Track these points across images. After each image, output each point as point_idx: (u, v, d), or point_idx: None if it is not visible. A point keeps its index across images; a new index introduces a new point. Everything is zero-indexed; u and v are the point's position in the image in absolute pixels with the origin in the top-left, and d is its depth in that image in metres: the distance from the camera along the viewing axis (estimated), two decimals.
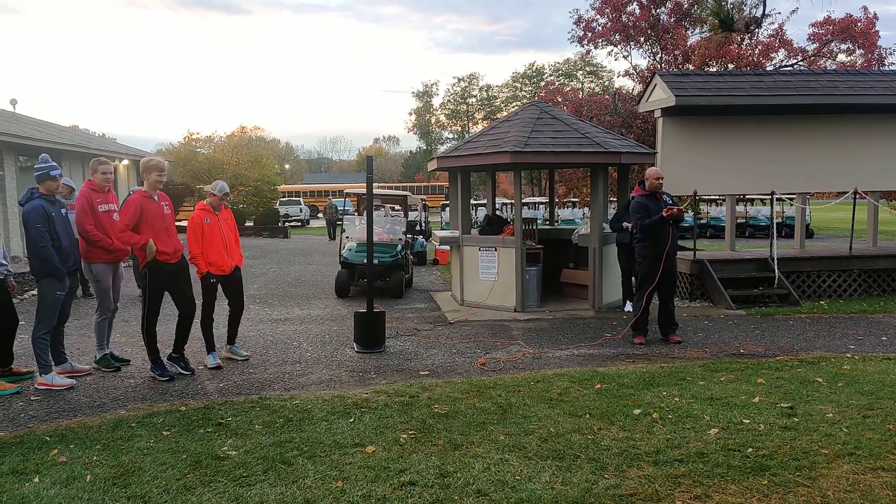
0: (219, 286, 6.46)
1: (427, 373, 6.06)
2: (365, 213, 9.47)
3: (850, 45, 18.63)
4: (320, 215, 39.60)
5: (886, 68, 17.17)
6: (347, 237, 11.66)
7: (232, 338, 6.72)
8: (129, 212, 5.73)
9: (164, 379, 5.81)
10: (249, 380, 5.85)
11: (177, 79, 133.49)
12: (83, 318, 8.49)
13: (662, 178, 7.27)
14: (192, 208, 30.11)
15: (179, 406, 5.07)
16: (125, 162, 19.70)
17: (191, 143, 33.31)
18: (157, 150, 34.23)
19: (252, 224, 29.35)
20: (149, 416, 4.84)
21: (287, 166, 79.74)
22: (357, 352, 6.87)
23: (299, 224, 38.14)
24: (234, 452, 4.08)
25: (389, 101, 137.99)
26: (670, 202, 7.19)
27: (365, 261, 10.11)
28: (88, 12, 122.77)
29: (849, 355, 6.52)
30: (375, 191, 19.68)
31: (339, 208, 25.26)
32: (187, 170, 29.82)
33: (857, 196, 10.23)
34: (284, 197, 41.76)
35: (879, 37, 18.59)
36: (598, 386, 5.46)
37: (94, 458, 4.06)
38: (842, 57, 18.94)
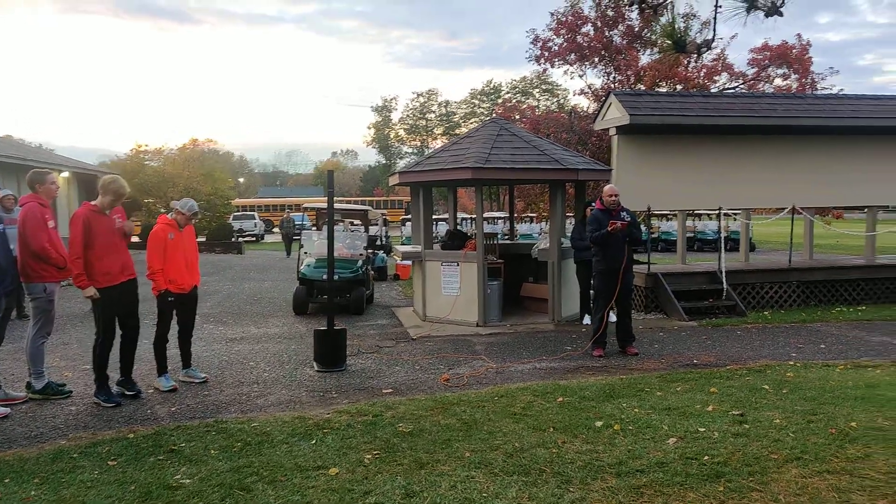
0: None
1: (390, 391, 6.01)
2: (324, 228, 9.37)
3: (786, 70, 19.50)
4: (276, 230, 38.95)
5: (819, 92, 17.99)
6: (306, 253, 11.49)
7: (187, 360, 6.50)
8: (75, 231, 5.38)
9: (109, 405, 5.50)
10: (204, 402, 5.66)
11: (123, 88, 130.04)
12: (18, 342, 7.99)
13: (617, 195, 7.42)
14: (139, 223, 29.28)
15: (127, 433, 4.81)
16: (65, 174, 18.93)
17: (138, 155, 32.36)
18: (99, 163, 32.94)
19: (204, 239, 28.65)
20: (92, 445, 4.55)
21: (241, 180, 78.29)
22: (317, 371, 6.74)
23: (254, 239, 37.42)
24: (188, 481, 3.90)
25: (347, 114, 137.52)
26: (629, 218, 7.33)
27: (324, 276, 9.98)
28: (24, 18, 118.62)
29: (791, 363, 6.80)
30: (337, 206, 19.48)
31: (296, 223, 24.92)
32: (135, 184, 28.90)
33: (795, 212, 10.67)
34: (238, 211, 40.95)
35: (812, 62, 19.53)
36: (561, 399, 5.52)
37: (32, 492, 3.80)
38: (778, 81, 19.80)
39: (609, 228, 7.06)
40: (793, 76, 19.37)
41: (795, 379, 6.06)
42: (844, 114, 10.78)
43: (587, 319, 9.10)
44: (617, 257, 7.22)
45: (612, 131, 10.42)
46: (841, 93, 16.52)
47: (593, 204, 8.79)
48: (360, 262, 11.19)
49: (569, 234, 10.07)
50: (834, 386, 5.77)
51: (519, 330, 8.92)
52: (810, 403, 5.28)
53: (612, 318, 7.68)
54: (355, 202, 54.11)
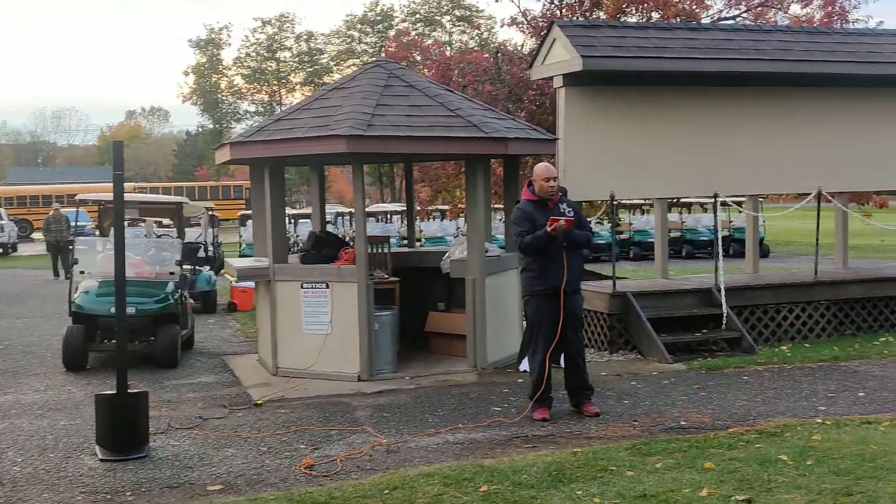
0: None
1: (220, 487, 5.93)
2: (112, 233, 9.05)
3: None
4: (38, 235, 37.52)
5: (851, 26, 19.23)
6: (83, 272, 11.12)
7: None
8: None
9: None
10: None
11: None
12: None
13: (555, 179, 7.58)
14: None
15: None
16: None
17: None
18: None
19: None
20: None
21: None
22: (102, 460, 6.62)
23: (0, 251, 36.03)
24: None
25: (151, 54, 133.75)
26: (569, 212, 7.53)
27: (113, 310, 9.66)
28: None
29: (819, 420, 7.20)
30: (134, 196, 18.79)
31: (71, 223, 24.09)
32: None
33: (822, 199, 11.32)
34: None
35: None
36: (485, 488, 5.58)
37: None
38: (795, 8, 20.99)
39: (549, 228, 7.21)
40: (815, 2, 20.57)
41: (824, 444, 6.41)
42: (886, 57, 11.52)
43: (527, 365, 9.26)
44: (558, 271, 7.39)
45: (558, 81, 10.69)
46: (881, 27, 17.69)
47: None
48: (170, 286, 11.01)
49: (496, 235, 10.24)
50: (877, 452, 6.13)
51: (423, 384, 8.97)
52: (844, 479, 5.59)
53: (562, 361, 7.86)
54: (165, 190, 52.63)
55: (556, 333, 7.46)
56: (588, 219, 13.82)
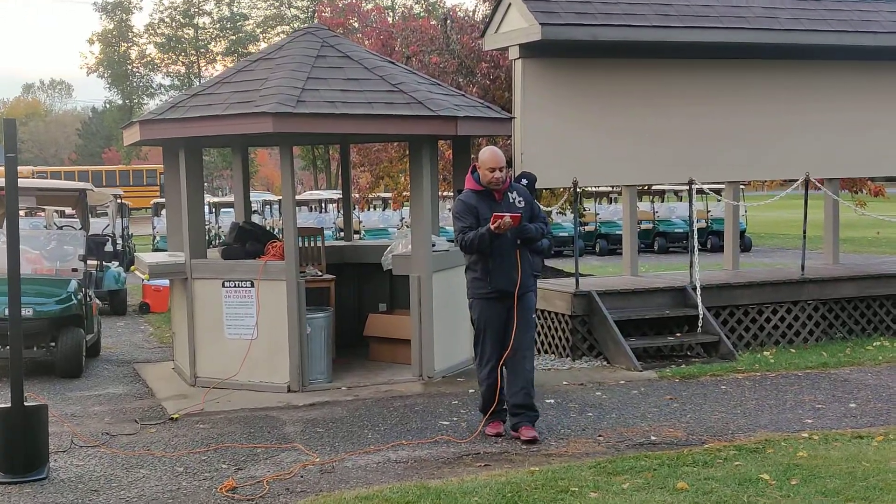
0: None
1: None
2: (5, 224, 8.90)
3: None
4: None
5: None
6: None
7: None
8: None
9: None
10: None
11: None
12: None
13: (502, 170, 7.44)
14: None
15: None
16: None
17: None
18: None
19: None
20: None
21: None
22: None
23: None
24: None
25: (52, 18, 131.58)
26: (519, 202, 7.52)
27: (6, 312, 9.53)
28: None
29: (805, 434, 7.29)
30: (31, 181, 18.44)
31: None
32: None
33: (810, 186, 11.48)
34: None
35: None
36: None
37: None
38: None
39: (493, 226, 7.15)
40: None
41: (810, 461, 6.49)
42: (884, 26, 11.65)
43: None
44: (509, 273, 7.36)
45: (514, 52, 10.71)
46: None
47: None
48: (73, 285, 10.90)
49: (445, 227, 10.26)
50: (869, 470, 6.24)
51: (362, 396, 8.96)
52: (832, 500, 5.67)
53: None
54: (68, 174, 51.80)
55: (504, 340, 7.41)
56: (549, 209, 13.98)
